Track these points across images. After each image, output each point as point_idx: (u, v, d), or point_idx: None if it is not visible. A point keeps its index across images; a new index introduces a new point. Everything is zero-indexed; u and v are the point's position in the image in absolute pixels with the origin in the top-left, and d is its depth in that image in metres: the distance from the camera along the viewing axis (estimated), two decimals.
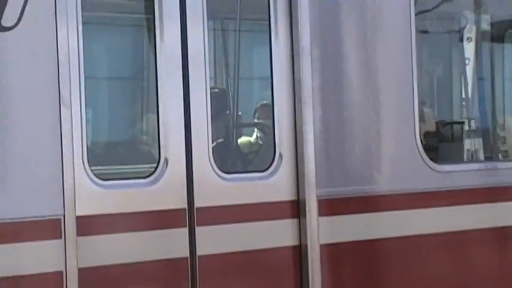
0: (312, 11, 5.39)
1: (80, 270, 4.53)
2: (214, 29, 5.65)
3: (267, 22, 5.41)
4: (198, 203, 4.90)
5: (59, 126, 4.46)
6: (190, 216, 4.88)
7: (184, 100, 5.03)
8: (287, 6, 5.34)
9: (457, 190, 6.10)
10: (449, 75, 7.37)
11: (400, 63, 6.03)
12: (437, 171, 5.98)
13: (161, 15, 4.94)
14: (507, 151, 7.20)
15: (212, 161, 4.97)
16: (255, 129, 5.95)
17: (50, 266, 4.48)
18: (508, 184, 6.38)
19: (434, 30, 6.85)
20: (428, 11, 6.46)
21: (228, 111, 5.82)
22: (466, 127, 7.04)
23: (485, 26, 7.10)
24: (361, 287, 5.52)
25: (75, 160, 4.54)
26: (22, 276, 4.46)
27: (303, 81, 5.25)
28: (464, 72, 7.13)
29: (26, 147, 4.38)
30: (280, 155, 5.23)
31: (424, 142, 6.20)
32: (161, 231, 4.79)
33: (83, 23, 4.68)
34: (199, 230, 4.88)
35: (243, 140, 5.96)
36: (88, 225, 4.62)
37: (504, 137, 7.18)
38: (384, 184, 5.80)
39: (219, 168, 5.01)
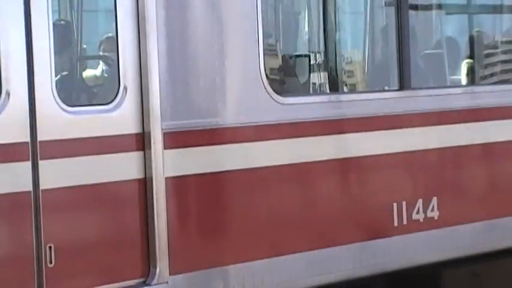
0: None
1: None
2: None
3: None
4: (40, 137, 4.91)
5: None
6: (33, 150, 4.89)
7: (26, 33, 4.99)
8: None
9: (301, 122, 6.22)
10: (295, 9, 7.46)
11: None
12: (281, 104, 6.09)
13: None
14: (354, 84, 7.41)
15: (55, 94, 4.98)
16: (100, 62, 5.94)
17: None
18: (352, 116, 6.56)
19: None
20: None
21: (72, 44, 5.79)
22: (312, 60, 7.12)
23: None
24: (207, 219, 5.62)
25: None
26: None
27: (147, 13, 5.26)
28: (309, 6, 7.33)
29: None
30: (125, 88, 5.27)
31: (269, 75, 6.27)
32: (3, 165, 4.79)
33: None
34: (42, 164, 4.91)
35: (87, 73, 5.95)
36: None
37: (351, 71, 7.46)
38: (229, 117, 5.88)
39: (62, 101, 5.02)
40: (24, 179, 4.85)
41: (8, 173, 4.83)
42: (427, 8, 8.24)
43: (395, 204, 6.66)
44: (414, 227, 6.78)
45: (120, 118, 5.31)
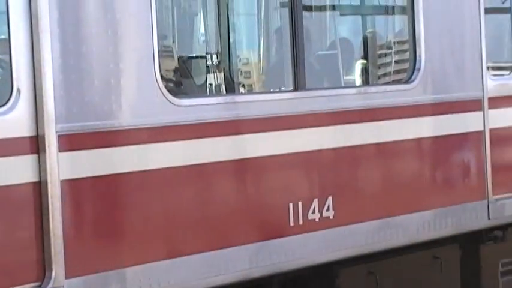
0: None
1: None
2: None
3: None
4: None
5: None
6: None
7: None
8: None
9: (197, 123, 6.28)
10: (191, 10, 7.52)
11: None
12: (177, 105, 6.15)
13: None
14: (251, 85, 7.52)
15: None
16: None
17: None
18: (248, 117, 6.64)
19: None
20: None
21: None
22: (209, 62, 7.24)
23: None
24: (103, 222, 5.65)
25: None
26: None
27: (40, 14, 5.25)
28: (205, 7, 7.40)
29: None
30: (18, 90, 5.25)
31: (164, 77, 6.35)
32: None
33: None
34: None
35: None
36: None
37: (248, 72, 7.58)
38: (124, 119, 5.89)
39: None
40: None
41: None
42: (321, 9, 8.40)
43: (291, 204, 6.75)
44: (310, 226, 6.87)
45: (13, 121, 5.29)
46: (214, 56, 7.36)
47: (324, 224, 6.97)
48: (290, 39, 6.98)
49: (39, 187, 5.35)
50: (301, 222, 6.80)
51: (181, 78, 6.99)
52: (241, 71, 7.57)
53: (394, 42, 8.31)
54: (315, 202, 6.88)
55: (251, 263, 6.54)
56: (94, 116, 5.58)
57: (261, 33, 7.80)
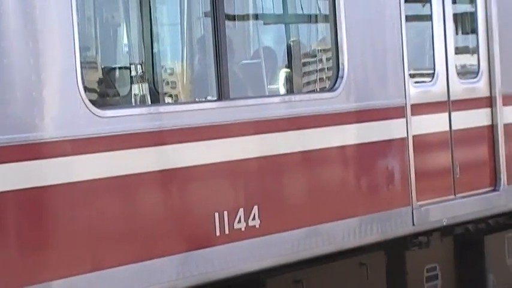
0: None
1: None
2: None
3: None
4: None
5: None
6: None
7: None
8: None
9: (122, 134, 6.31)
10: (114, 21, 7.48)
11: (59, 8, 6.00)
12: (101, 117, 6.17)
13: None
14: (176, 95, 7.53)
15: None
16: None
17: None
18: (173, 127, 6.66)
19: None
20: None
21: None
22: (133, 72, 7.22)
23: None
24: (28, 235, 5.65)
25: None
26: None
27: None
28: (128, 18, 7.42)
29: None
30: None
31: (87, 88, 6.33)
32: None
33: None
34: None
35: None
36: None
37: (173, 82, 7.58)
38: (48, 131, 5.88)
39: None
40: None
41: None
42: (244, 18, 8.42)
43: (217, 214, 6.81)
44: (236, 236, 6.94)
45: None
46: (138, 67, 7.34)
47: (250, 233, 7.04)
48: (213, 48, 7.03)
49: None
50: (227, 231, 6.86)
51: (104, 89, 6.96)
52: (166, 81, 7.58)
53: (318, 51, 8.41)
54: (241, 211, 6.95)
55: (178, 273, 6.59)
56: (17, 129, 5.59)
57: (185, 43, 7.81)
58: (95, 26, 7.18)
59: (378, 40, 8.23)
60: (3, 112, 5.56)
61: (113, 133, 6.27)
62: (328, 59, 8.09)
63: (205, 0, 7.35)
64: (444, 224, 8.74)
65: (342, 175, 7.95)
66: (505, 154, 9.24)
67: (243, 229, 6.98)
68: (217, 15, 7.03)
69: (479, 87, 9.24)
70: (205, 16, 7.42)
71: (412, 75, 8.50)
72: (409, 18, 8.52)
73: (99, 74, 7.02)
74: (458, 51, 9.19)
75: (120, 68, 7.41)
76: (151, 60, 7.51)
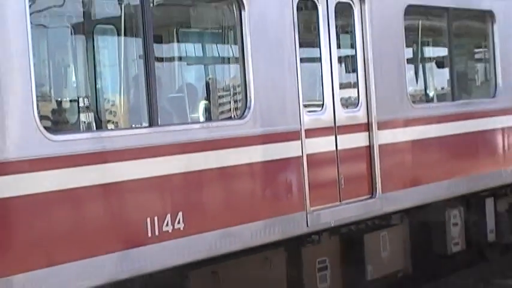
0: None
1: None
2: None
3: None
4: None
5: None
6: None
7: None
8: None
9: (70, 155, 6.34)
10: (65, 63, 7.44)
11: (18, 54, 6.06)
12: (53, 141, 6.20)
13: None
14: (117, 122, 7.52)
15: None
16: None
17: None
18: (113, 149, 6.69)
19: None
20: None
21: None
22: (81, 103, 7.24)
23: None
24: None
25: None
26: None
27: None
28: (76, 60, 7.51)
29: None
30: None
31: (42, 117, 6.38)
32: None
33: None
34: None
35: None
36: None
37: (114, 111, 7.56)
38: (10, 153, 5.92)
39: None
40: None
41: None
42: (171, 60, 8.51)
43: (148, 219, 6.84)
44: (165, 236, 6.98)
45: None
46: (85, 99, 7.33)
47: (176, 234, 7.07)
48: (145, 84, 7.06)
49: None
50: (157, 233, 6.89)
51: (57, 118, 6.95)
52: (108, 111, 7.54)
53: (230, 86, 8.45)
54: (168, 217, 6.99)
55: (116, 267, 6.60)
56: None
57: (123, 79, 7.78)
58: (48, 67, 7.16)
59: (278, 78, 8.29)
60: None
61: (63, 154, 6.27)
62: (238, 93, 8.14)
63: (138, 45, 7.34)
64: (332, 225, 8.81)
65: (250, 187, 7.99)
66: (379, 168, 9.33)
67: (170, 231, 7.00)
68: (148, 58, 7.06)
69: (359, 115, 9.32)
70: (138, 58, 7.45)
71: (305, 106, 8.55)
72: (303, 60, 8.58)
73: (52, 105, 6.99)
74: (343, 86, 9.25)
75: (70, 100, 7.39)
76: (95, 93, 7.48)
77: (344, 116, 9.06)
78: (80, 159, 6.40)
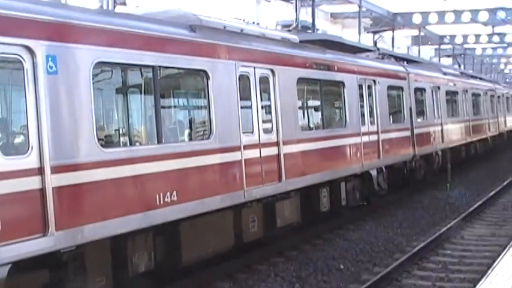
0: None
1: None
2: None
3: None
4: None
5: None
6: None
7: None
8: None
9: (114, 160, 6.12)
10: (113, 108, 7.11)
11: (85, 103, 5.72)
12: (104, 152, 6.00)
13: None
14: (140, 141, 7.03)
15: None
16: None
17: None
18: (139, 156, 6.41)
19: None
20: None
21: None
22: (120, 131, 6.85)
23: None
24: None
25: None
26: None
27: None
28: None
29: None
30: None
31: (99, 138, 6.12)
32: None
33: None
34: None
35: None
36: None
37: (138, 135, 7.06)
38: (78, 158, 5.70)
39: None
40: None
41: None
42: (169, 107, 8.11)
43: (157, 194, 6.55)
44: (166, 204, 6.71)
45: None
46: (123, 129, 6.98)
47: (173, 202, 6.81)
48: (155, 120, 6.80)
49: None
50: (162, 202, 6.57)
51: (107, 139, 6.56)
52: (135, 135, 7.11)
53: (203, 121, 7.97)
54: (168, 193, 6.73)
55: (140, 221, 6.36)
56: None
57: (143, 118, 7.37)
58: (102, 111, 6.75)
59: (228, 117, 7.96)
60: None
61: (111, 159, 6.06)
62: (206, 125, 7.90)
63: (152, 99, 6.95)
64: (258, 197, 8.64)
65: (214, 176, 7.74)
66: (284, 167, 8.97)
67: (169, 201, 6.73)
68: (157, 106, 6.75)
69: (273, 137, 8.95)
70: (152, 106, 7.04)
71: (243, 132, 8.18)
72: (242, 107, 8.37)
73: (104, 133, 6.63)
74: (263, 121, 8.95)
75: (114, 129, 6.95)
76: (128, 126, 7.05)
77: (264, 137, 8.85)
78: (120, 162, 6.27)
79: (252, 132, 8.67)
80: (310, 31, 17.81)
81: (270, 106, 9.13)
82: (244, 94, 8.44)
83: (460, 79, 21.34)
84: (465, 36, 36.41)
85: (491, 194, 14.87)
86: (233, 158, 8.09)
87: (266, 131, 9.00)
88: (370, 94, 12.32)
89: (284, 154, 9.20)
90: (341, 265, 9.02)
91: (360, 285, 7.97)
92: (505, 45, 37.28)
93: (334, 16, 28.34)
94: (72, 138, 5.63)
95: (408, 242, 10.40)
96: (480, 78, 26.61)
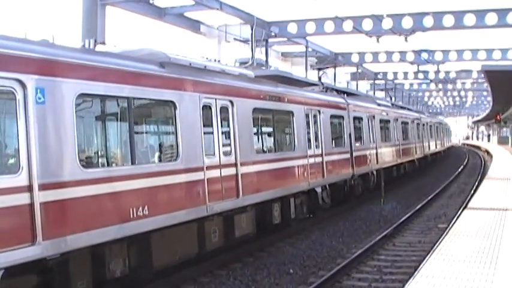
0: None
1: None
2: None
3: None
4: None
5: None
6: None
7: None
8: None
9: (94, 179, 6.10)
10: (92, 134, 6.91)
11: (68, 129, 5.70)
12: (85, 172, 5.99)
13: None
14: (116, 163, 6.88)
15: None
16: None
17: None
18: (115, 175, 6.40)
19: None
20: None
21: None
22: (99, 153, 6.76)
23: None
24: None
25: None
26: None
27: None
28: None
29: None
30: None
31: (81, 159, 6.03)
32: None
33: None
34: None
35: None
36: None
37: (114, 157, 6.86)
38: (62, 177, 5.67)
39: None
40: None
41: None
42: (142, 133, 7.88)
43: (131, 209, 6.52)
44: (139, 217, 6.70)
45: None
46: (101, 151, 6.87)
47: (144, 216, 6.77)
48: (129, 144, 6.77)
49: None
50: (135, 216, 6.53)
51: (87, 161, 6.46)
52: (112, 157, 6.95)
53: (171, 146, 7.80)
54: (140, 207, 6.71)
55: (116, 232, 6.32)
56: None
57: (119, 142, 7.21)
58: (83, 136, 6.64)
59: (193, 141, 8.03)
60: None
61: (91, 178, 5.99)
62: (174, 149, 7.78)
63: (126, 126, 6.91)
64: (218, 211, 8.44)
65: (181, 193, 7.70)
66: (241, 185, 8.95)
67: (141, 215, 6.75)
68: (131, 132, 6.73)
69: (232, 159, 8.88)
70: (127, 132, 7.00)
71: (206, 155, 8.24)
72: (205, 133, 8.32)
73: (85, 155, 6.53)
74: (223, 145, 8.82)
75: (93, 152, 6.82)
76: (105, 149, 6.94)
77: (224, 159, 8.81)
78: (99, 180, 6.25)
79: (214, 154, 8.60)
80: (264, 67, 18.37)
81: (229, 132, 9.11)
82: (207, 122, 8.40)
83: (392, 109, 22.42)
84: (395, 73, 38.66)
85: (418, 207, 15.33)
86: (197, 177, 8.04)
87: (226, 153, 8.91)
88: (315, 122, 12.50)
89: (241, 174, 9.16)
90: (291, 269, 9.15)
91: (307, 286, 8.09)
92: (428, 81, 39.47)
93: (284, 55, 29.54)
94: (57, 160, 5.70)
95: (348, 249, 10.65)
96: (408, 109, 27.93)
